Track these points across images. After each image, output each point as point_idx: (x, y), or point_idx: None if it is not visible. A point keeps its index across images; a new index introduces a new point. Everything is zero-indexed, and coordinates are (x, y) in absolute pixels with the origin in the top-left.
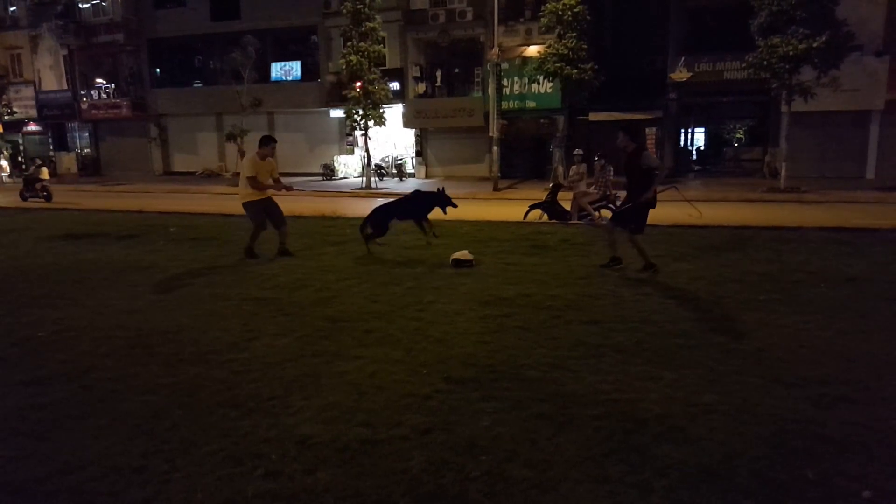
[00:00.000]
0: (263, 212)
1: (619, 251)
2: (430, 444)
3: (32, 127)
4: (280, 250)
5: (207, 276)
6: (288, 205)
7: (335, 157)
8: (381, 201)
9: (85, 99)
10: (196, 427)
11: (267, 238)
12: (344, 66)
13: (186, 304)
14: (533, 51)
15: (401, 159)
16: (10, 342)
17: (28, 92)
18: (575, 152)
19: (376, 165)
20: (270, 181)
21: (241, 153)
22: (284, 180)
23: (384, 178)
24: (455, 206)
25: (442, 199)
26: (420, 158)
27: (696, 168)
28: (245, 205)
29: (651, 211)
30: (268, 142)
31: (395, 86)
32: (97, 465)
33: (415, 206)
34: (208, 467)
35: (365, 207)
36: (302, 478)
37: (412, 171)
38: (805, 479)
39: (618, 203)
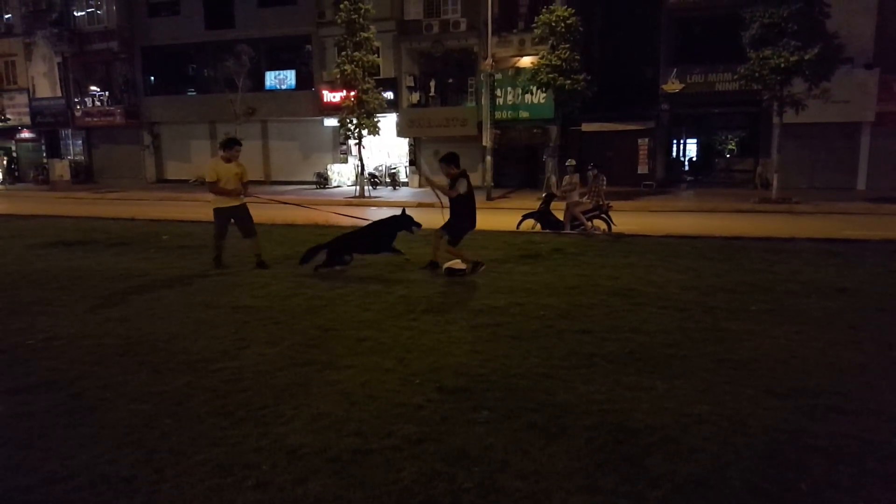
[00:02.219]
0: (230, 220)
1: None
2: (421, 455)
3: (26, 134)
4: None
5: (198, 283)
6: (283, 213)
7: (329, 166)
8: (373, 210)
9: (78, 106)
10: (186, 436)
11: (265, 247)
12: (338, 76)
13: (177, 312)
14: (526, 61)
15: (394, 168)
16: None
17: (22, 99)
18: (567, 162)
19: (370, 174)
20: (239, 186)
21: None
22: (278, 189)
23: (378, 187)
24: (420, 226)
25: (405, 222)
26: (413, 167)
27: (688, 179)
28: (214, 210)
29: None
30: (232, 144)
31: (388, 95)
32: (85, 474)
33: (376, 237)
34: (198, 477)
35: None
36: (292, 488)
37: (405, 179)
38: (798, 491)
39: (609, 213)
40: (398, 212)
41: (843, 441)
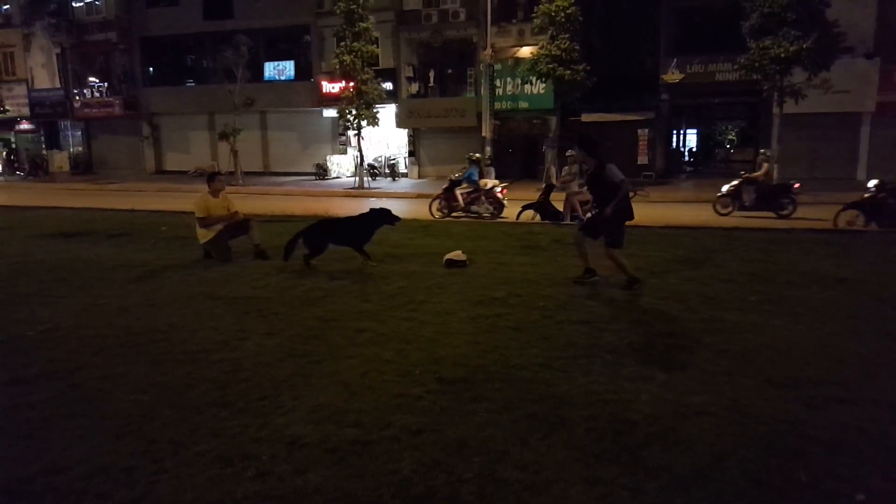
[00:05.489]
0: (227, 240)
1: (591, 262)
2: (420, 445)
3: (25, 125)
4: (256, 253)
5: (198, 274)
6: (281, 205)
7: (328, 157)
8: (373, 201)
9: (77, 97)
10: (185, 427)
11: (263, 239)
12: (337, 66)
13: (176, 303)
14: (526, 52)
15: (394, 159)
16: None
17: (20, 90)
18: (567, 153)
19: (369, 165)
20: (227, 214)
21: (234, 152)
22: (277, 180)
23: (377, 178)
24: (399, 219)
25: (386, 217)
26: (413, 158)
27: (688, 169)
28: (207, 244)
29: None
30: (214, 177)
31: (388, 86)
32: (85, 465)
33: (356, 230)
34: (198, 468)
35: (357, 207)
36: (292, 479)
37: (405, 170)
38: (797, 481)
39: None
40: (389, 205)
41: (842, 431)
